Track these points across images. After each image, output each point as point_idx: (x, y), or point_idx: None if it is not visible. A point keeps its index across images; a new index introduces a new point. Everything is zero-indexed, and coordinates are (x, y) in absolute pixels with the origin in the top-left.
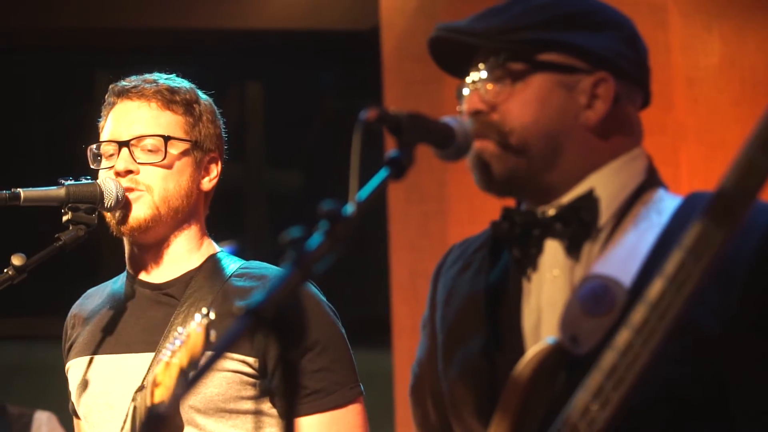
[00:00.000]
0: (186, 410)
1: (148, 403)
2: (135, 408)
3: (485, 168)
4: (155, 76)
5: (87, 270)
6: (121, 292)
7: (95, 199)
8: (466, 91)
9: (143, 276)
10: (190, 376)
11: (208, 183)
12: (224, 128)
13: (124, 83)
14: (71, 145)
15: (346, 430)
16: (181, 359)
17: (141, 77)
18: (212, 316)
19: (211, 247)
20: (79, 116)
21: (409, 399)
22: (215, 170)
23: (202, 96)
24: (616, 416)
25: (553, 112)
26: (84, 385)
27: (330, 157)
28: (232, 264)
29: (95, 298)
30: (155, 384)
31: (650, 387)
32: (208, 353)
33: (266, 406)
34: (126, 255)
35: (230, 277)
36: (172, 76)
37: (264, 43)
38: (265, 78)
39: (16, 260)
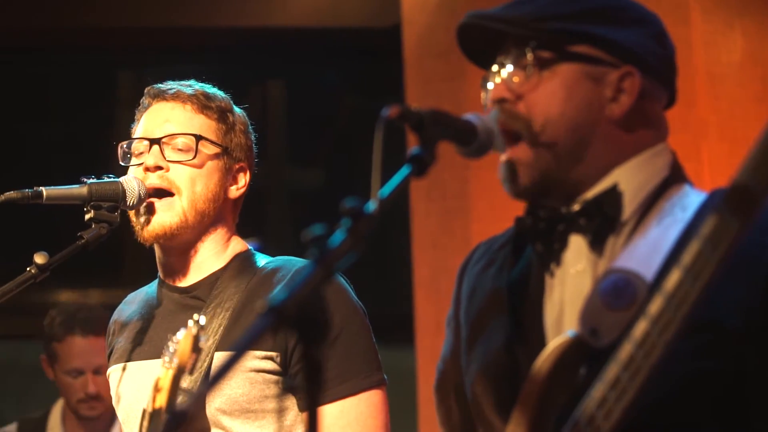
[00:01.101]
0: (212, 412)
1: (149, 409)
2: (143, 411)
3: (515, 175)
4: (191, 81)
5: (110, 270)
6: (154, 296)
7: (118, 198)
8: (490, 85)
9: (171, 280)
10: (212, 375)
11: (235, 191)
12: (254, 135)
13: (160, 86)
14: (94, 144)
15: (358, 418)
16: (173, 365)
17: (178, 82)
18: (202, 322)
19: (238, 246)
20: (101, 115)
21: (434, 396)
22: (243, 180)
23: (236, 108)
24: (632, 407)
25: (580, 103)
26: (121, 391)
27: (351, 155)
28: (259, 261)
29: (132, 304)
30: (157, 389)
31: (669, 381)
32: (229, 353)
33: (291, 402)
34: (157, 259)
35: (257, 273)
36: (209, 85)
37: (285, 42)
38: (287, 76)
39: (39, 259)
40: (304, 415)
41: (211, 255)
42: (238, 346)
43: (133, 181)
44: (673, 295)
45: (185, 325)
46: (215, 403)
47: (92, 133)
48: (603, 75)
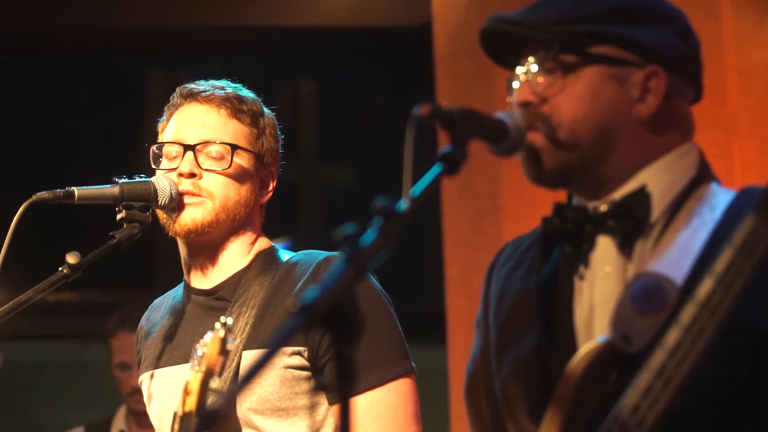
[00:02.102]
0: (243, 412)
1: (180, 412)
2: (174, 415)
3: (535, 160)
4: (223, 82)
5: (142, 269)
6: (179, 301)
7: (149, 197)
8: (515, 84)
9: (196, 282)
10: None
11: (264, 195)
12: (281, 135)
13: (193, 86)
14: (125, 144)
15: (387, 408)
16: (202, 368)
17: (210, 82)
18: (230, 322)
19: (262, 243)
20: (132, 115)
21: (464, 397)
22: (271, 185)
23: (266, 110)
24: (665, 415)
25: (605, 106)
26: (151, 398)
27: (383, 154)
28: (281, 256)
29: (158, 309)
30: (186, 392)
31: (700, 385)
32: (258, 351)
33: (321, 397)
34: (182, 260)
35: (279, 269)
36: (239, 85)
37: (316, 41)
38: (318, 75)
39: (71, 258)
40: (335, 408)
41: (236, 255)
42: (269, 345)
43: (164, 181)
44: (706, 303)
45: (212, 328)
46: (246, 403)
47: (123, 132)
48: (628, 76)
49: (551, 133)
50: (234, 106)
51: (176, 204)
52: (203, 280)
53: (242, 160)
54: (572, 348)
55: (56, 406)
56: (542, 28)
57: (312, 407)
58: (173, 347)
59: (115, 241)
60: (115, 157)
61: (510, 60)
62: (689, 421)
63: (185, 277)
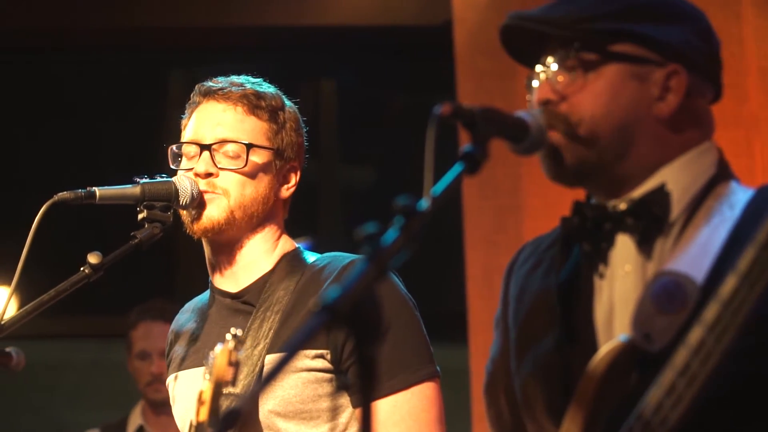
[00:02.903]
0: (265, 415)
1: (194, 422)
2: (190, 423)
3: (554, 157)
4: (242, 79)
5: (163, 269)
6: (207, 303)
7: (170, 197)
8: (535, 83)
9: (222, 284)
10: (265, 373)
11: (285, 191)
12: (306, 132)
13: (211, 84)
14: (146, 144)
15: (411, 412)
16: (211, 379)
17: (228, 79)
18: (239, 334)
19: (286, 245)
20: (153, 115)
21: (484, 398)
22: (294, 179)
23: (287, 103)
24: (688, 414)
25: (626, 103)
26: (175, 400)
27: (403, 153)
28: (307, 258)
29: (188, 312)
30: (201, 402)
31: (722, 382)
32: (281, 354)
33: (344, 399)
34: (207, 260)
35: (305, 272)
36: (259, 80)
37: (337, 40)
38: (338, 74)
39: (93, 258)
40: (358, 411)
41: (260, 254)
42: (290, 345)
43: (185, 181)
44: (730, 302)
45: (238, 330)
46: (268, 405)
47: (144, 132)
48: (648, 74)
49: (571, 130)
50: (251, 103)
51: (197, 203)
52: (228, 281)
53: (259, 157)
54: (592, 347)
55: (78, 406)
56: (564, 25)
57: (335, 410)
58: (198, 349)
59: (136, 241)
60: (136, 156)
61: (530, 57)
62: (711, 419)
63: (210, 278)
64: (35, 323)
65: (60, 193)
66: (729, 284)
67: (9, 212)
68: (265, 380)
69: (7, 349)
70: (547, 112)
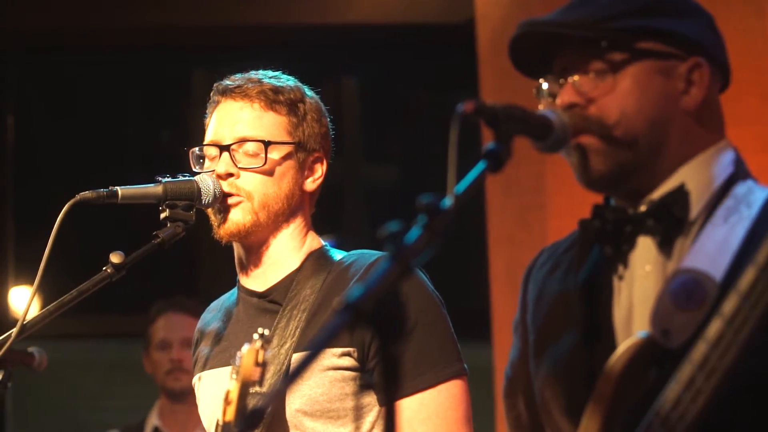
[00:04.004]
0: (292, 414)
1: (221, 421)
2: (217, 423)
3: (589, 163)
4: (260, 74)
5: (185, 268)
6: (234, 302)
7: (193, 196)
8: (544, 85)
9: (249, 283)
10: (290, 372)
11: (311, 183)
12: (332, 126)
13: (228, 82)
14: (168, 143)
15: (437, 410)
16: (238, 378)
17: (246, 75)
18: (266, 333)
19: (313, 242)
20: (176, 114)
21: (503, 402)
22: (320, 170)
23: (309, 93)
24: (707, 408)
25: (655, 99)
26: (201, 400)
27: (426, 151)
28: (334, 256)
29: (214, 311)
30: (227, 401)
31: (741, 377)
32: (305, 353)
33: (371, 398)
34: (235, 259)
35: (331, 270)
36: (278, 73)
37: (359, 38)
38: (361, 72)
39: (115, 258)
40: (384, 409)
41: (287, 252)
42: (314, 344)
43: (207, 180)
44: (748, 295)
45: (266, 329)
46: (295, 405)
47: (167, 131)
48: (672, 69)
49: (607, 133)
50: (269, 98)
51: (220, 206)
52: (255, 281)
53: (279, 153)
54: (611, 347)
55: (101, 406)
56: (587, 26)
57: (362, 409)
58: (224, 348)
59: (158, 240)
60: (158, 155)
61: (536, 68)
62: (730, 413)
63: (238, 277)
64: (58, 323)
65: (82, 193)
66: (747, 276)
67: (32, 212)
68: (289, 379)
69: (30, 349)
70: (578, 116)
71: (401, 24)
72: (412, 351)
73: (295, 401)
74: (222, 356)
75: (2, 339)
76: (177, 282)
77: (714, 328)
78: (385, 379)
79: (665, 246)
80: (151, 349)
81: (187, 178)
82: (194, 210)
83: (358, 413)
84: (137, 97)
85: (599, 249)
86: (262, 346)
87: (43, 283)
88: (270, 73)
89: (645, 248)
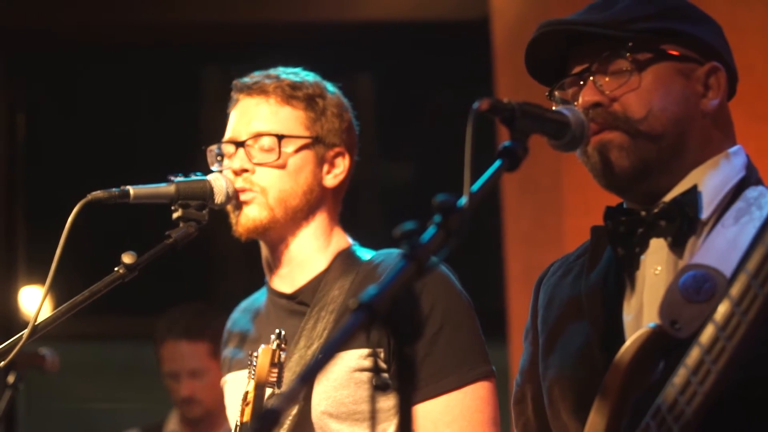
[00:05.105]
0: (318, 416)
1: (239, 422)
2: (236, 424)
3: (611, 159)
4: (279, 71)
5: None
6: (263, 303)
7: (205, 196)
8: (561, 87)
9: (277, 285)
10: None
11: (333, 179)
12: (356, 121)
13: (246, 79)
14: (181, 142)
15: (464, 413)
16: (254, 379)
17: (264, 72)
18: (283, 333)
19: (341, 241)
20: (188, 112)
21: (512, 409)
22: (342, 165)
23: (330, 89)
24: (715, 390)
25: (678, 98)
26: (228, 402)
27: (442, 149)
28: (362, 256)
29: (243, 311)
30: (246, 402)
31: (749, 365)
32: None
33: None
34: (263, 261)
35: (359, 270)
36: (297, 69)
37: (374, 36)
38: (375, 70)
39: (127, 258)
40: (408, 412)
41: (313, 252)
42: (331, 343)
43: (220, 179)
44: (757, 273)
45: (294, 331)
46: (320, 407)
47: (179, 130)
48: (691, 71)
49: (633, 128)
50: (285, 93)
51: (236, 202)
52: (283, 282)
53: (295, 147)
54: (620, 347)
55: (113, 409)
56: (615, 25)
57: (388, 411)
58: (252, 350)
59: (171, 240)
60: (170, 154)
61: (549, 73)
62: (739, 395)
63: (266, 278)
64: (69, 324)
65: (94, 192)
66: (756, 256)
67: (43, 211)
68: (302, 380)
69: (42, 351)
70: (601, 115)
71: (416, 21)
72: (438, 352)
73: (320, 403)
74: (249, 358)
75: (14, 340)
76: (190, 282)
77: (722, 310)
78: (411, 380)
79: (677, 247)
80: (162, 369)
81: (199, 177)
82: (207, 210)
83: (384, 416)
84: (149, 95)
85: (611, 250)
86: (279, 347)
87: (55, 284)
88: (290, 69)
89: (657, 250)
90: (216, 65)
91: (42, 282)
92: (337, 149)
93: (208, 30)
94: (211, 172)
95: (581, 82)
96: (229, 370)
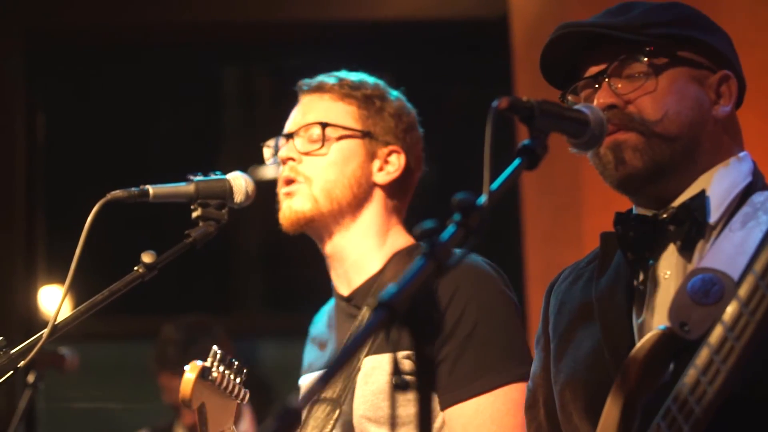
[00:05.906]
0: (358, 420)
1: None
2: None
3: (623, 160)
4: (342, 73)
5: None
6: (332, 306)
7: (225, 195)
8: (574, 91)
9: (338, 286)
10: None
11: (385, 175)
12: (421, 129)
13: (308, 80)
14: (200, 141)
15: (493, 416)
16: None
17: (330, 74)
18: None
19: (398, 241)
20: (208, 112)
21: (524, 415)
22: (396, 163)
23: (393, 93)
24: (725, 389)
25: (692, 103)
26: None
27: (461, 147)
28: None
29: (322, 313)
30: None
31: (758, 364)
32: (380, 355)
33: (435, 404)
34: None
35: None
36: (363, 74)
37: (392, 35)
38: (394, 68)
39: (147, 258)
40: (446, 414)
41: (367, 251)
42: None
43: (240, 179)
44: (764, 274)
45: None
46: (360, 410)
47: (198, 129)
48: (704, 78)
49: (648, 129)
50: (341, 91)
51: (282, 194)
52: (341, 283)
53: (342, 138)
54: (631, 350)
55: (133, 409)
56: (635, 30)
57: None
58: (322, 354)
59: (190, 239)
60: (190, 154)
61: (561, 77)
62: (748, 393)
63: (331, 280)
64: (89, 324)
65: (113, 192)
66: (763, 259)
67: (63, 211)
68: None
69: (61, 351)
70: (617, 116)
71: (435, 20)
72: (469, 354)
73: (360, 407)
74: (320, 361)
75: (33, 340)
76: (209, 282)
77: (730, 310)
78: (442, 382)
79: (686, 251)
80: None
81: (219, 177)
82: (227, 209)
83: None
84: (168, 95)
85: (621, 255)
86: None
87: (74, 283)
88: (354, 73)
89: (666, 254)
90: (235, 65)
91: (62, 281)
92: (391, 147)
93: (227, 29)
94: (230, 172)
95: (596, 85)
96: (305, 372)
